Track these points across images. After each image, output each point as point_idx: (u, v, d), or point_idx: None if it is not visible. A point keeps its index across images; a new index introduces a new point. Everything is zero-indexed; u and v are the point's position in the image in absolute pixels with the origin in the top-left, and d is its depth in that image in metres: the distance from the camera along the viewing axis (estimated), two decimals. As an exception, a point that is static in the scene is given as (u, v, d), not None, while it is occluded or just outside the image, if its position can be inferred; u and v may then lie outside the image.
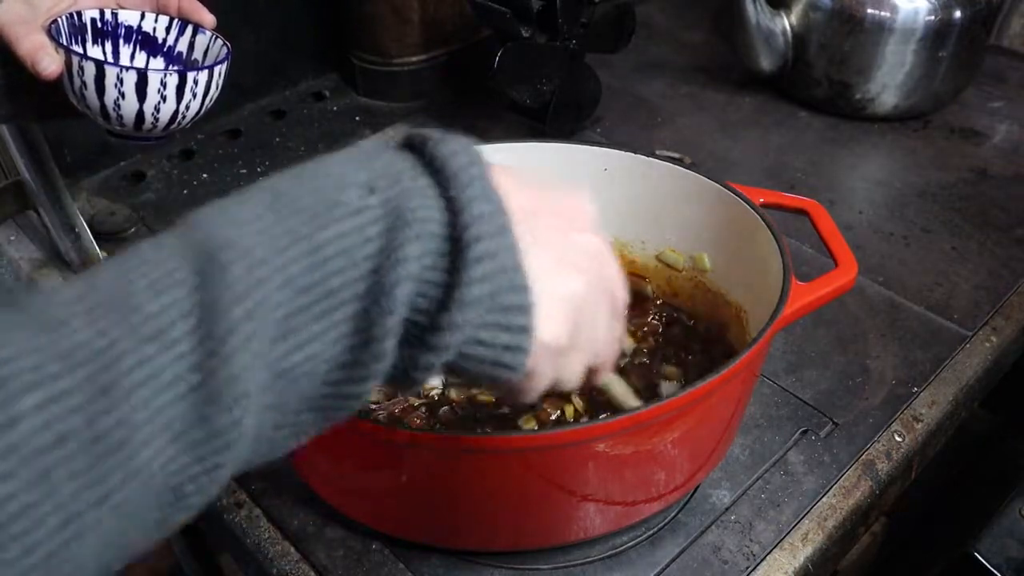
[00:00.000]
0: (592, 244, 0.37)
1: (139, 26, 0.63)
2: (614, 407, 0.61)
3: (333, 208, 0.31)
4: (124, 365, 0.26)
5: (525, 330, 0.33)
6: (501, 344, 0.33)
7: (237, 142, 1.06)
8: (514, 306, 0.33)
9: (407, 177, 0.32)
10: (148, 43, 0.64)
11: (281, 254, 0.29)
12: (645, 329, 0.73)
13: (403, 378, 0.33)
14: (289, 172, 0.33)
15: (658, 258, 0.73)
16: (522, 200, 0.34)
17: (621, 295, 0.39)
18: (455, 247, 0.31)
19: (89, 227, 0.85)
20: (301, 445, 0.33)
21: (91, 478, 0.26)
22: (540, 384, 0.36)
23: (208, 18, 0.64)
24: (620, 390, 0.61)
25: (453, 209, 0.32)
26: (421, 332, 0.32)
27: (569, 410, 0.64)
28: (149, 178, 0.99)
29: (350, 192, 0.31)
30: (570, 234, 0.36)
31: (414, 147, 0.34)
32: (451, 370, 0.34)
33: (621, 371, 0.66)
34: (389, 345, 0.31)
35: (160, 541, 0.30)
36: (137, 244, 0.30)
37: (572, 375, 0.38)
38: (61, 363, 0.26)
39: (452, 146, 0.33)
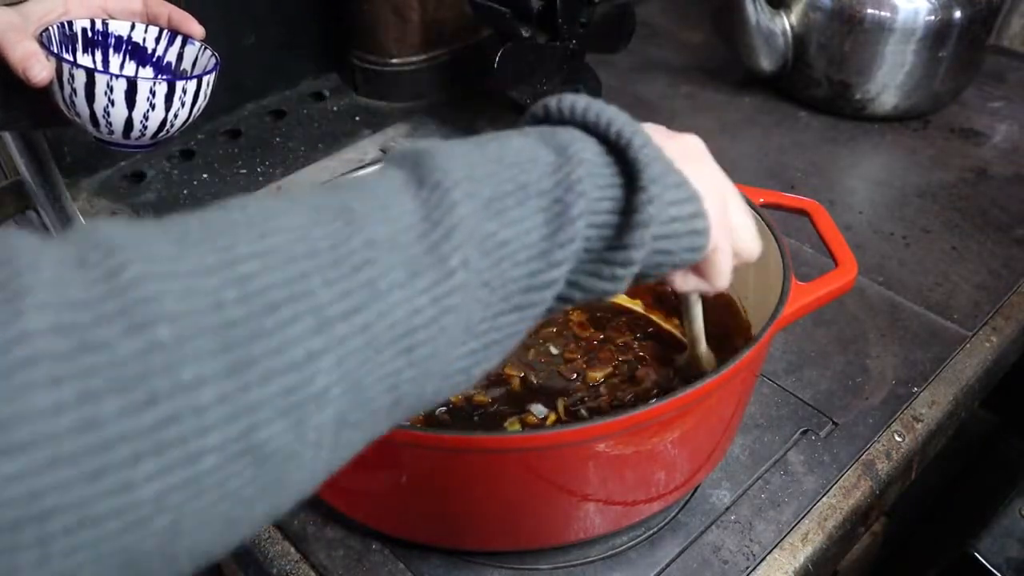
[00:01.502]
0: (719, 172, 0.43)
1: (129, 36, 0.64)
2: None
3: (507, 136, 0.37)
4: (363, 213, 0.30)
5: (700, 214, 0.38)
6: (687, 214, 0.38)
7: (237, 142, 1.06)
8: (684, 198, 0.38)
9: (556, 128, 0.37)
10: (138, 53, 0.65)
11: (476, 164, 0.34)
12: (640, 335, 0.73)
13: (597, 278, 0.37)
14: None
15: None
16: (663, 145, 0.39)
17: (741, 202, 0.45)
18: (620, 156, 0.36)
19: (89, 227, 0.85)
20: (490, 366, 0.35)
21: (343, 288, 0.28)
22: (726, 258, 0.42)
23: (197, 29, 0.64)
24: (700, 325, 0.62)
25: (611, 141, 0.37)
26: (614, 231, 0.36)
27: (552, 417, 0.64)
28: (149, 178, 0.99)
29: (513, 135, 0.37)
30: (704, 167, 0.42)
31: (563, 120, 0.38)
32: (642, 274, 0.39)
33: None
34: (579, 227, 0.34)
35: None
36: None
37: (746, 246, 0.44)
38: (311, 215, 0.29)
39: (597, 109, 0.38)
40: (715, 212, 0.40)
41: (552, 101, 0.38)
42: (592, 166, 0.36)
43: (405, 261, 0.29)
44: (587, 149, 0.36)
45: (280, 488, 0.27)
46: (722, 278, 0.43)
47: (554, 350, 0.69)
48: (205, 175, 1.00)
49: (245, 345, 0.25)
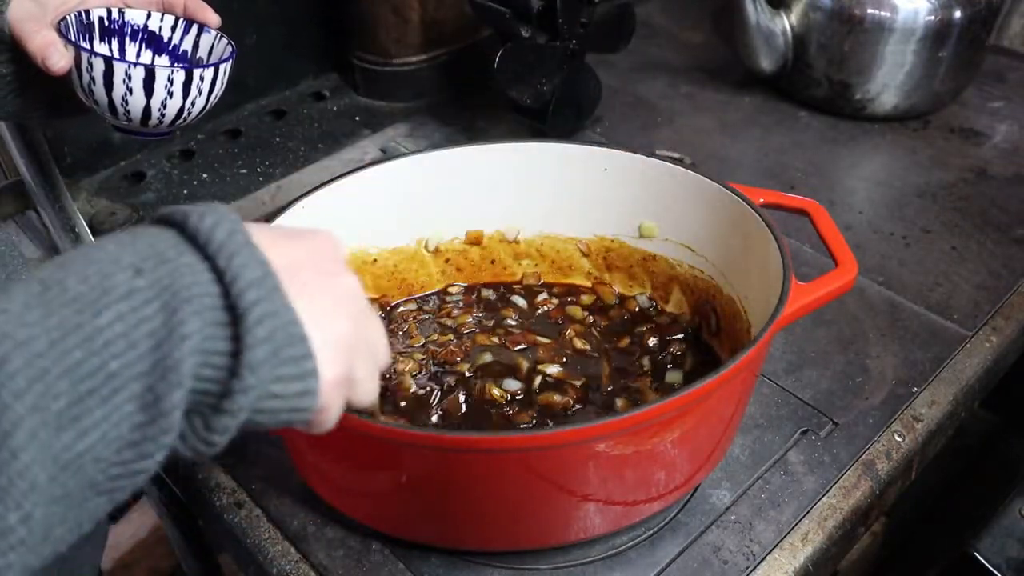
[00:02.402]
0: (348, 283, 0.40)
1: (145, 25, 0.64)
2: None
3: (104, 295, 0.31)
4: None
5: (312, 374, 0.36)
6: (293, 392, 0.35)
7: (237, 142, 1.06)
8: (299, 356, 0.35)
9: (172, 254, 0.33)
10: (154, 42, 0.65)
11: (58, 344, 0.30)
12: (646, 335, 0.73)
13: (197, 445, 0.34)
14: (53, 261, 0.33)
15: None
16: (282, 256, 0.36)
17: (375, 321, 0.42)
18: (234, 316, 0.33)
19: (89, 227, 0.86)
20: (82, 537, 0.32)
21: None
22: (333, 415, 0.39)
23: (213, 18, 0.64)
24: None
25: (224, 280, 0.33)
26: (214, 399, 0.33)
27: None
28: (149, 178, 0.99)
29: (117, 276, 0.32)
30: (328, 279, 0.39)
31: (173, 223, 0.35)
32: (245, 426, 0.36)
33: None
34: (176, 417, 0.32)
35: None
36: None
37: (365, 395, 0.41)
38: None
39: (212, 218, 0.34)
40: (335, 368, 0.37)
41: (194, 217, 0.34)
42: (200, 338, 0.32)
43: None
44: (199, 310, 0.32)
45: None
46: (322, 430, 0.40)
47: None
48: (205, 175, 1.00)
49: None
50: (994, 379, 0.80)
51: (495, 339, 0.71)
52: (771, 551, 0.60)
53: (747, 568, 0.59)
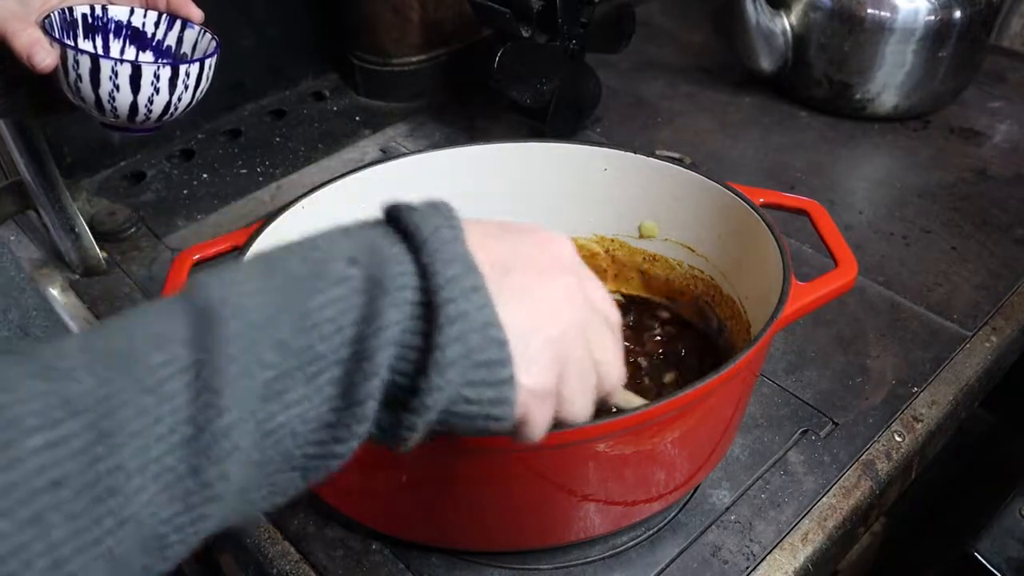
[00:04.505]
0: (569, 285, 0.38)
1: (128, 21, 0.64)
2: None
3: (320, 278, 0.32)
4: (123, 414, 0.28)
5: (507, 382, 0.34)
6: (487, 399, 0.34)
7: (237, 142, 1.06)
8: (494, 361, 0.34)
9: (385, 245, 0.34)
10: (138, 38, 0.65)
11: (273, 318, 0.31)
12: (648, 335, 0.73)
13: (390, 438, 0.34)
14: (282, 245, 0.34)
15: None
16: (497, 254, 0.35)
17: (614, 318, 0.41)
18: (428, 311, 0.33)
19: (89, 227, 0.85)
20: (278, 505, 0.33)
21: (84, 522, 0.26)
22: (537, 428, 0.37)
23: (196, 13, 0.64)
24: (623, 398, 0.61)
25: (425, 274, 0.33)
26: (404, 394, 0.33)
27: None
28: (149, 178, 0.99)
29: (334, 264, 0.33)
30: (547, 280, 0.37)
31: (391, 216, 0.35)
32: (442, 428, 0.35)
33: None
34: (371, 407, 0.32)
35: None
36: (139, 304, 0.31)
37: (577, 412, 0.39)
38: (64, 409, 0.27)
39: (425, 211, 0.34)
40: (538, 379, 0.35)
41: (412, 211, 0.34)
42: (398, 330, 0.32)
43: (160, 482, 0.28)
44: (397, 303, 0.32)
45: None
46: (529, 442, 0.38)
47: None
48: (205, 175, 1.00)
49: None
50: (994, 379, 0.80)
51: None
52: (771, 551, 0.60)
53: (747, 568, 0.59)
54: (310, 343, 0.31)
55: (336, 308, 0.32)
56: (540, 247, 0.38)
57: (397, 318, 0.32)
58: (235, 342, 0.30)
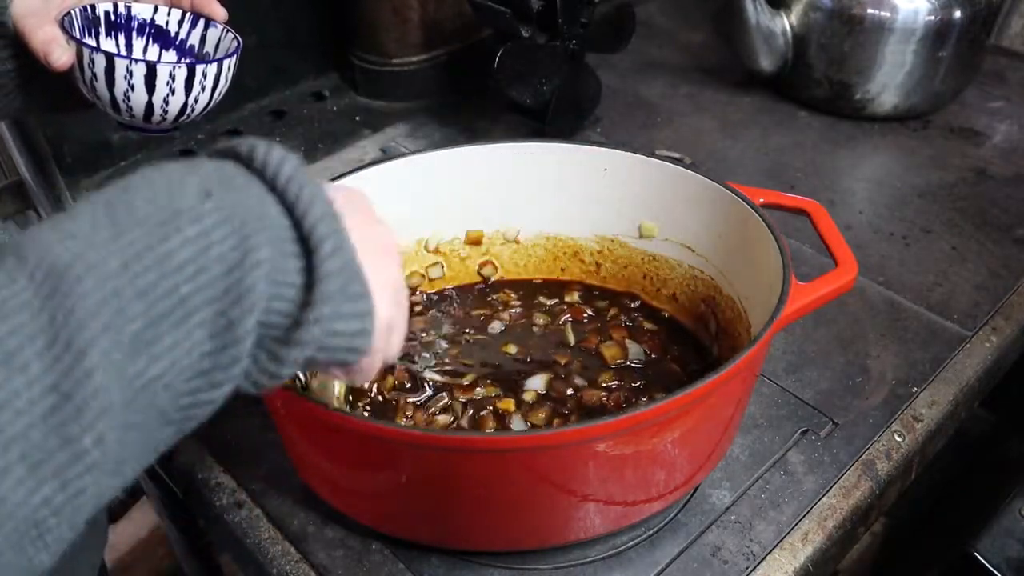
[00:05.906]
0: (387, 232, 0.40)
1: (152, 19, 0.64)
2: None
3: (174, 216, 0.31)
4: None
5: (370, 313, 0.36)
6: (352, 331, 0.35)
7: (237, 142, 1.06)
8: (359, 294, 0.35)
9: (241, 182, 0.33)
10: (161, 36, 0.65)
11: (131, 265, 0.29)
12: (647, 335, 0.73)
13: (264, 377, 0.34)
14: (114, 185, 0.32)
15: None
16: (336, 198, 0.36)
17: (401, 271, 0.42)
18: (306, 247, 0.33)
19: (89, 227, 0.85)
20: (81, 537, 0.31)
21: None
22: (378, 362, 0.39)
23: (220, 12, 0.64)
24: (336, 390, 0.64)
25: (295, 214, 0.33)
26: (282, 331, 0.33)
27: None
28: (149, 178, 0.99)
29: (186, 199, 0.31)
30: (373, 226, 0.39)
31: (237, 155, 0.35)
32: (307, 363, 0.36)
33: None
34: (247, 345, 0.32)
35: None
36: None
37: (395, 349, 0.41)
38: None
39: (277, 154, 0.34)
40: (387, 311, 0.37)
41: (260, 150, 0.34)
42: (270, 267, 0.32)
43: (26, 451, 0.26)
44: (271, 240, 0.32)
45: None
46: (363, 380, 0.40)
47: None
48: (205, 175, 1.00)
49: None
50: (994, 379, 0.80)
51: (494, 339, 0.71)
52: (771, 551, 0.60)
53: (747, 568, 0.59)
54: (174, 286, 0.30)
55: (197, 246, 0.31)
56: (360, 199, 0.40)
57: (271, 254, 0.32)
58: (92, 296, 0.28)
